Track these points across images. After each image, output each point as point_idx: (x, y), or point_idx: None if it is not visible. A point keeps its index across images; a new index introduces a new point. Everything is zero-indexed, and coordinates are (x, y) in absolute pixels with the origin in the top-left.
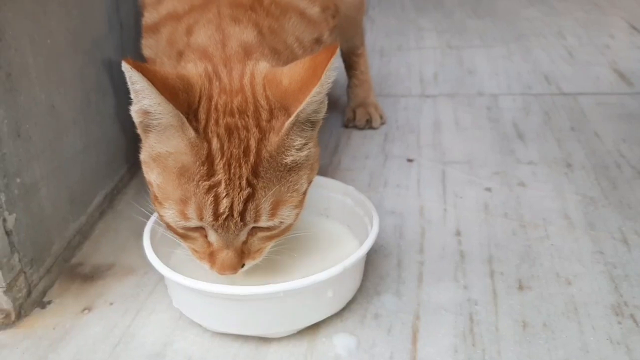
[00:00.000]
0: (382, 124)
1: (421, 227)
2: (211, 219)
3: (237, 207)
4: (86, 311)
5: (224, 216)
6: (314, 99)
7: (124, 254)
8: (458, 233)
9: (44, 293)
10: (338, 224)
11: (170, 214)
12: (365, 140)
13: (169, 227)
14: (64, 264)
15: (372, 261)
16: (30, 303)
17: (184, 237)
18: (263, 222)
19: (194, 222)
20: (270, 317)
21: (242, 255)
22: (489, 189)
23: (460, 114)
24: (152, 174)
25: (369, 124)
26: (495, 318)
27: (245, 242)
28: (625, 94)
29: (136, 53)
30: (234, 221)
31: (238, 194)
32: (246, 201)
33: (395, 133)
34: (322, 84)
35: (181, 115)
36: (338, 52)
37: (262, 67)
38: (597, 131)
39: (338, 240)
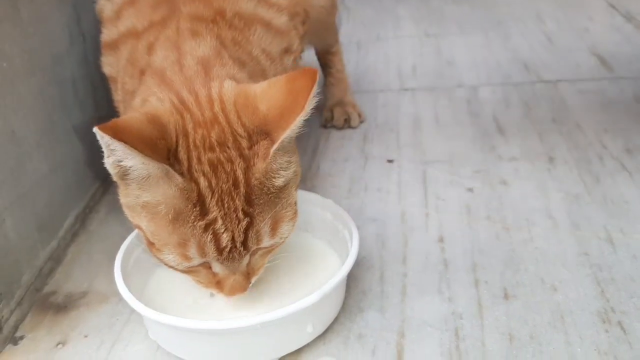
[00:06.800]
0: (361, 122)
1: (403, 235)
2: (215, 255)
3: (239, 238)
4: (60, 345)
5: (228, 249)
6: (297, 126)
7: (97, 279)
8: (441, 239)
9: (15, 328)
10: (318, 239)
11: (171, 258)
12: (344, 142)
13: (170, 267)
14: (35, 293)
15: (354, 275)
16: (1, 340)
17: (186, 272)
18: (265, 244)
19: (197, 261)
20: (249, 348)
21: (248, 275)
22: (470, 190)
23: (440, 108)
24: (140, 221)
25: (347, 124)
26: (481, 332)
27: (248, 263)
28: (606, 79)
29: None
30: (237, 251)
31: (237, 226)
32: (246, 230)
33: (375, 132)
34: (306, 113)
35: (165, 166)
36: (318, 77)
37: (228, 88)
38: (578, 122)
39: (320, 257)
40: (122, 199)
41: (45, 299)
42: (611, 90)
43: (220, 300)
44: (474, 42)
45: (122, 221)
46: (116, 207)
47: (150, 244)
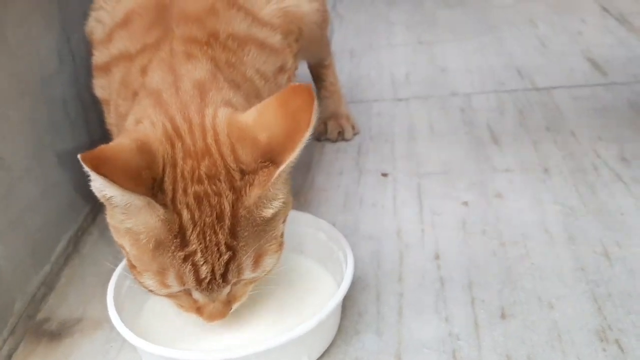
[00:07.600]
0: (355, 134)
1: (399, 252)
2: (194, 285)
3: (219, 270)
4: None
5: (207, 280)
6: (304, 144)
7: (91, 304)
8: (437, 257)
9: (9, 357)
10: (312, 261)
11: (151, 283)
12: (339, 155)
13: (149, 291)
14: (28, 321)
15: (350, 296)
16: None
17: (167, 296)
18: (246, 276)
19: (176, 289)
20: None
21: (228, 303)
22: (466, 203)
23: (434, 118)
24: (124, 242)
25: (341, 136)
26: (479, 353)
27: (229, 292)
28: (600, 85)
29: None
30: (217, 283)
31: (218, 260)
32: (227, 263)
33: (369, 144)
34: (310, 131)
35: (147, 197)
36: (315, 92)
37: (221, 118)
38: (572, 129)
39: (314, 279)
40: (108, 219)
41: (39, 327)
42: (605, 97)
43: (217, 328)
44: (468, 48)
45: (114, 245)
46: (109, 228)
47: (132, 266)
